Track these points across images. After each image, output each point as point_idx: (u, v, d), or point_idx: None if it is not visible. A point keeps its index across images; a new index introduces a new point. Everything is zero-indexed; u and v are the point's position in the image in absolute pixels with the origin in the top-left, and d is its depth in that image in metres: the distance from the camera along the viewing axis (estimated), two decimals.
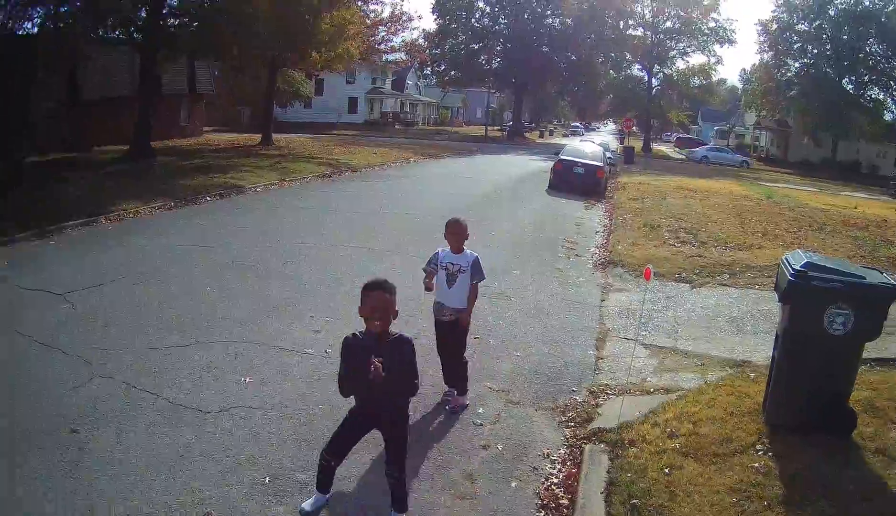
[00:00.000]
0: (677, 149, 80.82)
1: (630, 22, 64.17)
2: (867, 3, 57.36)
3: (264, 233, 13.94)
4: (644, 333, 9.44)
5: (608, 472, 5.38)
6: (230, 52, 26.19)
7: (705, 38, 60.86)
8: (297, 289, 10.11)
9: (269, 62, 31.66)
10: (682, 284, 12.29)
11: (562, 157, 26.40)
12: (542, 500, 5.13)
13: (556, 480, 5.44)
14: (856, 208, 25.95)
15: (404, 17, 43.00)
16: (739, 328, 9.93)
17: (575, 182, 25.20)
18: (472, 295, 6.48)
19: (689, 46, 63.05)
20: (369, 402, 4.45)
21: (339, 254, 12.43)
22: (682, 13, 59.90)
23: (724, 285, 12.30)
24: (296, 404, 6.26)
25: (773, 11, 60.65)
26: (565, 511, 4.98)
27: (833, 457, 5.69)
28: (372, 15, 39.44)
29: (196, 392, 6.34)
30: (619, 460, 5.54)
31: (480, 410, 6.52)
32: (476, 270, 6.43)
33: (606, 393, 7.28)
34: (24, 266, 10.58)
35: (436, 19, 66.88)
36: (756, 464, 5.51)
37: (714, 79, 70.68)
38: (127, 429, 5.54)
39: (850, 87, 58.64)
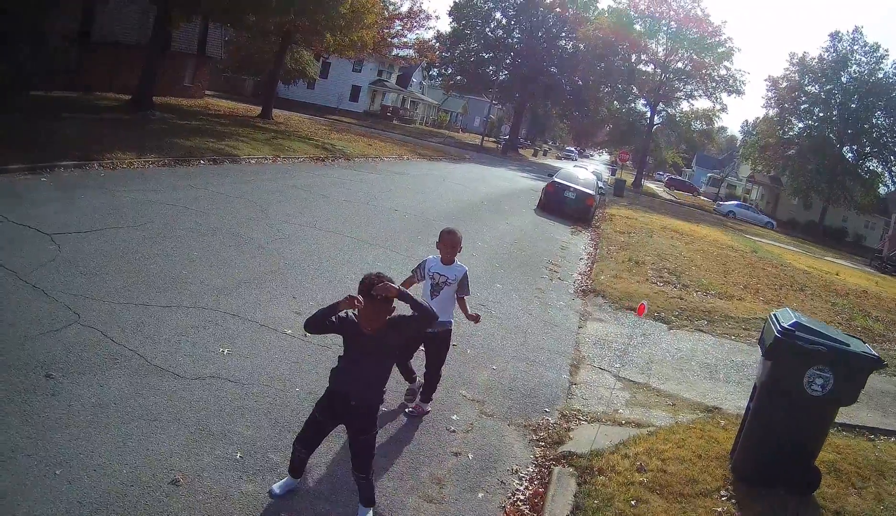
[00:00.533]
0: (667, 189, 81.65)
1: (643, 57, 64.65)
2: (881, 75, 58.57)
3: (254, 206, 13.90)
4: (618, 366, 9.58)
5: (575, 497, 5.47)
6: (246, 17, 26.09)
7: (715, 84, 61.50)
8: (281, 266, 10.12)
9: (283, 35, 31.53)
10: (660, 324, 12.44)
11: (555, 180, 26.59)
12: (507, 514, 5.20)
13: (521, 497, 5.52)
14: (837, 275, 26.37)
15: (422, 15, 43.08)
16: (712, 375, 10.09)
17: (565, 206, 25.42)
18: (464, 306, 6.45)
19: (696, 90, 63.61)
20: (344, 387, 4.51)
21: (326, 239, 12.44)
22: (695, 56, 60.46)
23: (701, 330, 12.48)
24: (273, 384, 6.27)
25: (786, 69, 61.81)
26: None
27: (794, 513, 5.82)
28: (391, 8, 39.49)
29: (173, 355, 6.33)
30: (587, 486, 5.63)
31: (454, 417, 6.60)
32: (463, 286, 6.34)
33: (578, 418, 7.38)
34: (13, 198, 10.54)
35: (451, 22, 67.10)
36: (718, 509, 5.64)
37: (716, 125, 71.41)
38: (101, 383, 5.53)
39: (850, 155, 59.66)
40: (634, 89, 66.44)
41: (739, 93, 66.48)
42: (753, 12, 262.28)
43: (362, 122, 55.55)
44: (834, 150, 57.47)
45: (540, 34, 67.46)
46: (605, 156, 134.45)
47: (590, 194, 26.13)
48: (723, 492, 5.96)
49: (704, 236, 29.26)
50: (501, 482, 5.66)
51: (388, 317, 4.40)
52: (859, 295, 21.49)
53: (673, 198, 65.92)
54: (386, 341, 4.44)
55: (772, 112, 62.04)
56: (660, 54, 63.79)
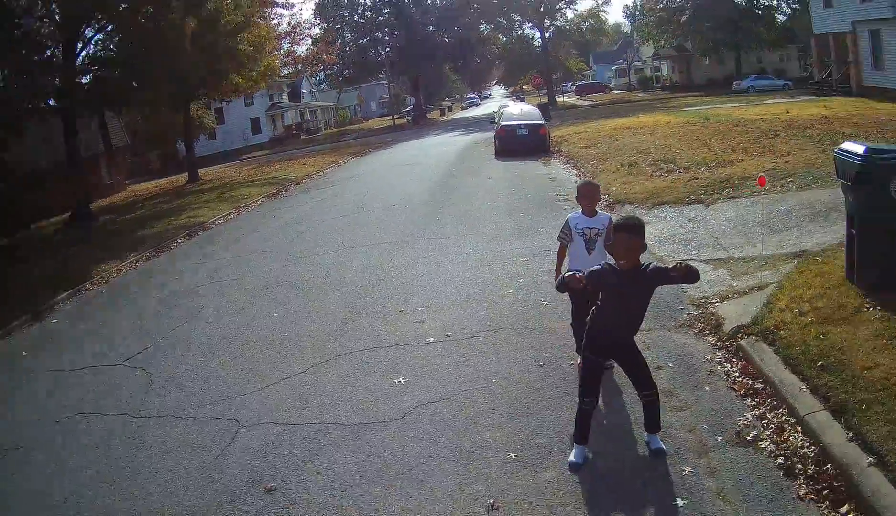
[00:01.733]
0: (580, 96, 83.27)
1: None
2: None
3: (273, 253, 14.42)
4: (694, 252, 10.62)
5: (776, 353, 6.46)
6: (154, 93, 26.28)
7: None
8: (357, 296, 10.71)
9: (184, 98, 31.71)
10: (696, 205, 13.55)
11: (503, 123, 27.63)
12: (739, 391, 6.16)
13: (736, 374, 6.48)
14: (788, 113, 27.87)
15: (305, 26, 43.54)
16: (771, 229, 11.14)
17: (521, 144, 26.47)
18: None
19: None
20: (611, 329, 5.09)
21: (361, 252, 13.11)
22: None
23: (734, 197, 13.62)
24: (477, 382, 7.06)
25: None
26: (766, 392, 6.01)
27: None
28: (279, 29, 39.97)
29: (378, 405, 7.06)
30: (778, 343, 6.61)
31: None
32: (612, 232, 6.25)
33: (709, 303, 8.36)
34: (44, 349, 10.67)
35: (319, 23, 67.36)
36: (877, 316, 6.65)
37: (605, 20, 73.32)
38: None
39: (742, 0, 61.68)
40: (517, 17, 67.66)
41: None
42: None
43: (275, 150, 55.91)
44: (724, 1, 59.43)
45: (407, 0, 68.08)
46: (503, 91, 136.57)
47: (541, 124, 27.36)
48: (866, 305, 6.97)
49: (655, 123, 30.50)
50: (710, 372, 6.60)
51: (641, 258, 4.90)
52: (822, 122, 23.00)
53: (592, 102, 67.51)
54: (640, 281, 4.90)
55: None
56: None
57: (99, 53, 27.82)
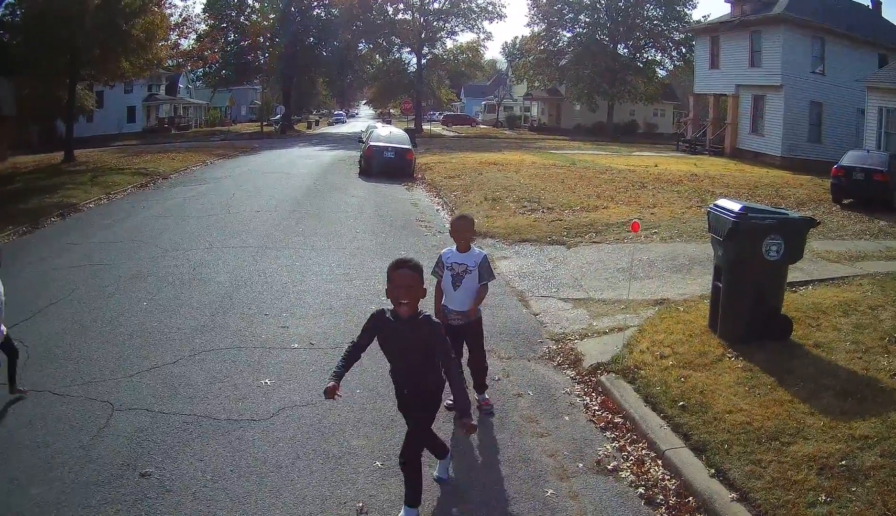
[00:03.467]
0: (445, 126, 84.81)
1: (400, 6, 67.07)
2: None
3: (143, 244, 13.73)
4: (554, 290, 10.92)
5: (637, 391, 6.69)
6: (49, 64, 26.11)
7: (475, 15, 64.91)
8: (223, 295, 10.40)
9: (72, 75, 30.87)
10: (558, 246, 13.99)
11: (371, 144, 27.70)
12: (598, 423, 6.34)
13: (596, 408, 6.68)
14: (657, 167, 29.48)
15: (195, 20, 42.53)
16: (634, 275, 11.60)
17: (387, 165, 26.66)
18: (480, 296, 6.49)
19: (457, 25, 66.94)
20: (403, 379, 4.78)
21: (228, 253, 12.69)
22: None
23: (597, 242, 14.17)
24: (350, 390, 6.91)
25: None
26: (626, 427, 6.21)
27: (789, 352, 7.40)
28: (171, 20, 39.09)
29: (224, 403, 6.79)
30: (639, 382, 6.86)
31: (497, 365, 7.57)
32: (485, 271, 6.43)
33: (568, 339, 8.59)
34: None
35: (206, 20, 65.71)
36: (739, 366, 7.06)
37: (483, 55, 75.25)
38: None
39: (625, 51, 64.82)
40: (397, 40, 68.55)
41: (501, 18, 70.69)
42: None
43: (147, 141, 54.74)
44: (607, 51, 62.31)
45: (293, 9, 67.81)
46: (370, 111, 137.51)
47: (408, 149, 27.72)
48: (728, 354, 7.41)
49: (521, 161, 31.40)
50: (570, 404, 6.76)
51: (421, 312, 4.58)
52: (692, 179, 24.48)
53: (458, 134, 68.91)
54: (421, 334, 4.56)
55: (537, 28, 66.21)
56: (415, 0, 66.30)
57: (6, 17, 28.02)
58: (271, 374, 7.29)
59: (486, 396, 6.72)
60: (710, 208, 8.46)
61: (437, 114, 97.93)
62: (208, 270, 11.59)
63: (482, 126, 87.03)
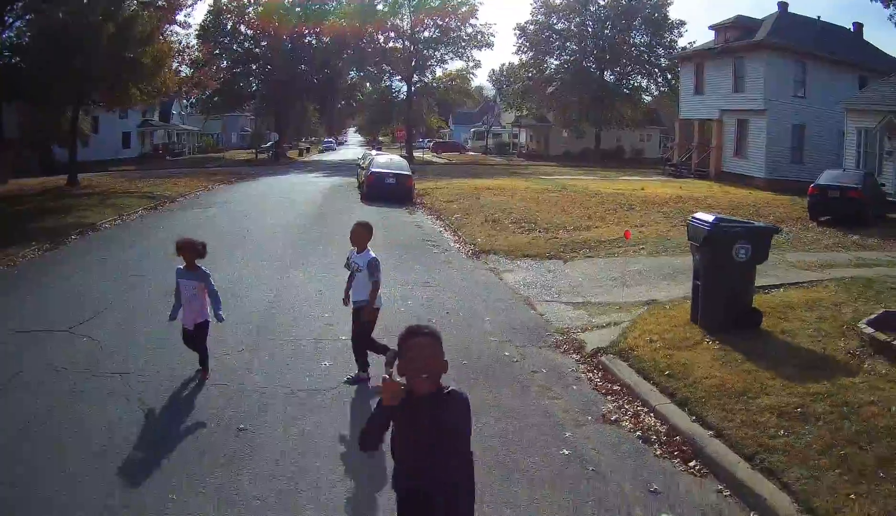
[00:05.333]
0: (435, 154, 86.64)
1: (391, 35, 69.20)
2: None
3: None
4: (556, 295, 12.44)
5: (631, 366, 8.20)
6: (58, 89, 27.33)
7: (464, 43, 67.23)
8: (266, 305, 11.81)
9: (77, 102, 32.12)
10: (556, 260, 15.52)
11: (373, 170, 29.31)
12: (601, 391, 7.85)
13: (598, 380, 8.20)
14: (643, 190, 31.20)
15: (193, 49, 43.97)
16: (625, 284, 13.22)
17: (388, 191, 28.21)
18: (373, 291, 7.91)
19: (447, 54, 69.22)
20: (417, 473, 3.79)
21: (261, 267, 14.08)
22: (440, 22, 65.62)
23: (591, 257, 15.72)
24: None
25: (532, 13, 68.36)
26: (623, 392, 7.74)
27: (759, 338, 8.90)
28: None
29: (296, 377, 8.24)
30: (632, 359, 8.38)
31: (506, 353, 9.07)
32: (371, 269, 7.92)
33: (572, 331, 10.09)
34: None
35: (200, 47, 67.27)
36: (715, 347, 8.56)
37: (472, 83, 77.57)
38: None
39: (612, 78, 67.09)
40: (388, 68, 70.58)
41: (489, 46, 73.05)
42: None
43: (143, 166, 55.80)
44: (594, 78, 64.45)
45: (285, 37, 69.45)
46: (359, 139, 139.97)
47: (408, 175, 29.43)
48: (707, 340, 8.90)
49: (514, 186, 33.09)
50: (577, 378, 8.27)
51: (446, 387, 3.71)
52: (677, 201, 26.16)
53: (448, 161, 70.70)
54: (445, 415, 3.66)
55: (525, 57, 68.46)
56: (406, 28, 68.36)
57: (15, 40, 29.03)
58: (328, 358, 8.70)
59: (365, 375, 8.03)
60: (690, 220, 10.07)
61: (426, 141, 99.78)
62: (246, 282, 12.96)
63: (471, 153, 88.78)
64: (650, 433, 6.74)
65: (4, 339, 9.16)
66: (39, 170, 46.76)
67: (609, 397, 7.67)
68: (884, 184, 25.72)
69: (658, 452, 6.39)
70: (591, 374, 8.42)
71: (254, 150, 73.88)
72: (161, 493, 5.42)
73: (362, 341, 8.10)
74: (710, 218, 9.57)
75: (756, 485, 5.56)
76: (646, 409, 7.22)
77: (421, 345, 3.62)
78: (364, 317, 7.97)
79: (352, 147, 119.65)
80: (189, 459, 6.03)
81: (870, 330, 8.59)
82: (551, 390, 7.78)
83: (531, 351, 9.25)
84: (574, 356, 9.10)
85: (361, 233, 8.23)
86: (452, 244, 18.22)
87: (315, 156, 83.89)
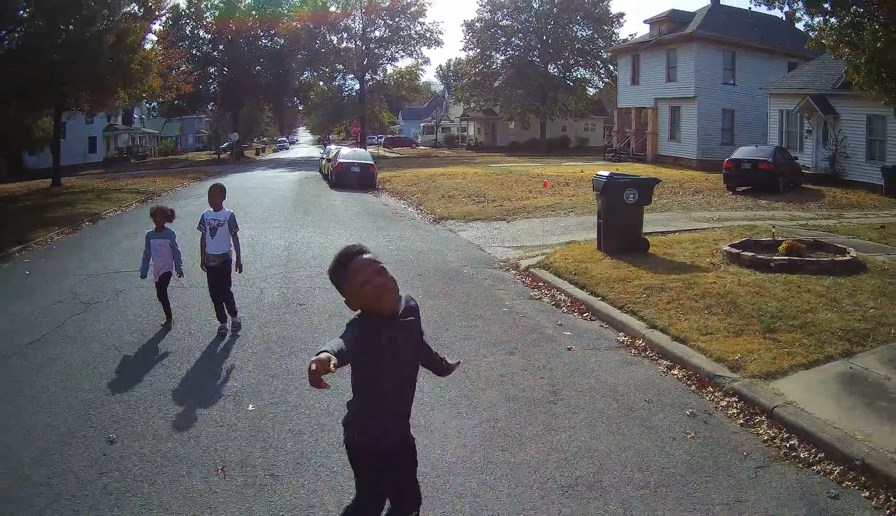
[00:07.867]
0: (387, 149, 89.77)
1: (344, 35, 72.59)
2: None
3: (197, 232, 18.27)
4: (500, 242, 16.12)
5: (550, 272, 11.90)
6: (41, 94, 29.20)
7: (414, 42, 70.87)
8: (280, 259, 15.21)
9: (59, 104, 33.93)
10: (501, 222, 19.22)
11: (340, 161, 33.05)
12: (530, 287, 11.52)
13: (528, 281, 11.90)
14: (583, 172, 34.92)
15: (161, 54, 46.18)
16: (552, 232, 16.99)
17: (354, 179, 31.86)
18: (236, 245, 9.06)
19: (397, 52, 72.86)
20: (385, 410, 3.53)
21: (268, 230, 17.43)
22: (390, 21, 69.22)
23: (528, 218, 19.48)
24: None
25: (478, 11, 71.94)
26: (544, 287, 11.40)
27: (646, 257, 12.60)
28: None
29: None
30: (552, 269, 12.09)
31: (465, 271, 12.74)
32: (232, 223, 8.91)
33: (511, 261, 13.75)
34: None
35: (163, 53, 69.53)
36: (611, 261, 12.24)
37: (421, 80, 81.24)
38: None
39: (556, 70, 70.93)
40: (340, 67, 73.86)
41: (439, 43, 76.78)
42: None
43: (111, 169, 56.92)
44: (539, 71, 68.10)
45: (241, 40, 71.93)
46: (310, 137, 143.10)
47: (371, 164, 33.38)
48: (606, 259, 12.55)
49: (465, 172, 36.68)
50: (514, 282, 11.97)
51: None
52: None
53: (400, 155, 73.96)
54: (410, 331, 3.56)
55: (472, 53, 72.04)
56: (358, 29, 71.79)
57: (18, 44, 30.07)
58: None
59: (238, 319, 9.21)
60: (597, 175, 13.77)
61: (377, 137, 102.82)
62: (264, 238, 16.37)
63: (422, 147, 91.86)
64: (560, 302, 10.45)
65: (100, 274, 12.55)
66: (7, 176, 47.52)
67: (534, 289, 11.39)
68: (797, 157, 29.27)
69: (564, 311, 10.07)
70: (523, 279, 12.14)
71: (212, 151, 75.75)
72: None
73: (225, 291, 9.00)
74: (606, 173, 13.38)
75: (623, 319, 9.25)
76: (558, 292, 10.93)
77: (367, 260, 3.39)
78: (227, 263, 9.01)
79: (303, 146, 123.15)
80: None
81: (729, 248, 12.29)
82: (497, 286, 11.49)
83: (482, 270, 12.92)
84: (512, 272, 12.80)
85: (216, 194, 9.12)
86: (416, 215, 21.81)
87: (271, 155, 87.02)
